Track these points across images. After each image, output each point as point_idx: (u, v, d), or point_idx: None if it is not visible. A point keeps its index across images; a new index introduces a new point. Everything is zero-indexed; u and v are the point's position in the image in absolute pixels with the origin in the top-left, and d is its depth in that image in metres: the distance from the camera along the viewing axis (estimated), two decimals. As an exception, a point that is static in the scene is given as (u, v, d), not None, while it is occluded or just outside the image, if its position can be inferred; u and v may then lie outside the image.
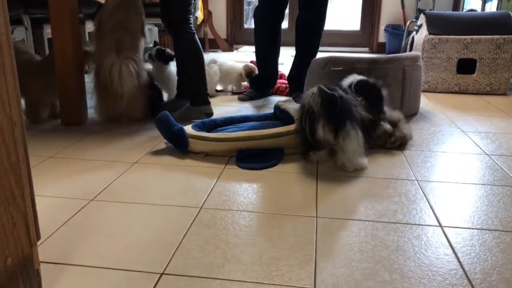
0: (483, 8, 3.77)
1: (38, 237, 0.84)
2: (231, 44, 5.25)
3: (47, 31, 2.72)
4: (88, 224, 1.16)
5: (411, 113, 2.33)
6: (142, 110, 2.13)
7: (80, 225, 1.16)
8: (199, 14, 4.71)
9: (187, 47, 2.08)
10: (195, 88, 2.14)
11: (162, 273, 0.96)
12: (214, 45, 5.10)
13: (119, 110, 2.08)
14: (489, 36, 2.84)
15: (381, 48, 5.04)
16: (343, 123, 1.45)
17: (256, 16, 2.61)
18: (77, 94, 2.03)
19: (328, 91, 1.46)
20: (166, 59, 2.42)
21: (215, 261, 1.00)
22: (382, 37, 5.03)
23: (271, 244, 1.07)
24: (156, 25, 4.31)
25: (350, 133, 1.46)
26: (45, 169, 1.53)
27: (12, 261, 0.77)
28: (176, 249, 1.05)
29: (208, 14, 4.96)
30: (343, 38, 5.20)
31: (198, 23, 4.88)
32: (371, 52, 5.06)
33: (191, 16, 2.05)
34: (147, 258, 1.01)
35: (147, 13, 2.22)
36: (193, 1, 2.05)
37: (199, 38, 5.35)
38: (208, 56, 2.66)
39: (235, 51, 5.06)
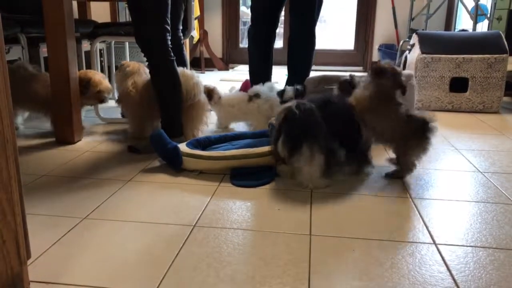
0: (474, 28, 3.83)
1: (29, 256, 0.84)
2: (226, 63, 5.30)
3: (43, 49, 2.74)
4: (80, 242, 1.15)
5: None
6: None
7: (72, 243, 1.14)
8: (195, 34, 4.76)
9: (163, 71, 1.88)
10: (173, 118, 1.92)
11: (154, 292, 0.94)
12: (210, 64, 5.14)
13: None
14: (481, 55, 2.88)
15: (375, 67, 5.09)
16: (300, 143, 1.45)
17: (249, 34, 2.64)
18: (72, 113, 2.03)
19: (293, 109, 1.46)
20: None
21: (208, 280, 0.99)
22: (376, 56, 5.10)
23: (265, 263, 1.06)
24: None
25: (304, 154, 1.45)
26: (38, 187, 1.52)
27: (0, 279, 0.76)
28: (169, 267, 1.04)
29: (204, 34, 5.01)
30: (337, 58, 5.26)
31: (194, 42, 4.93)
32: (365, 71, 5.12)
33: (168, 38, 1.85)
34: (139, 277, 1.00)
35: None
36: (168, 19, 1.83)
37: (195, 58, 5.35)
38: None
39: (230, 70, 5.10)
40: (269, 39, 2.62)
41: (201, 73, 4.86)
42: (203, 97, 2.08)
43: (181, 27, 2.21)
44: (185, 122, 1.96)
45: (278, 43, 5.39)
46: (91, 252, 1.10)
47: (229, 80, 4.15)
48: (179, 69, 1.92)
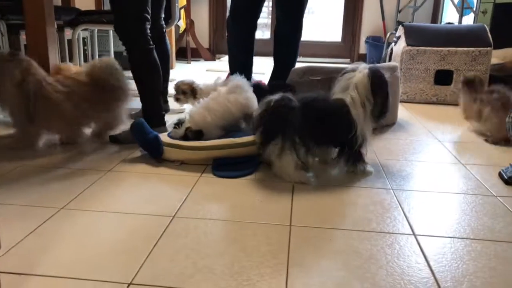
0: (460, 21, 3.84)
1: (-1, 247, 0.81)
2: (213, 53, 5.25)
3: (23, 37, 2.68)
4: (56, 233, 1.13)
5: (389, 123, 2.34)
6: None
7: (47, 234, 1.12)
8: (181, 23, 4.70)
9: (142, 60, 1.84)
10: (154, 107, 1.91)
11: (130, 283, 0.93)
12: (196, 55, 5.09)
13: None
14: (465, 48, 2.89)
15: (361, 60, 5.09)
16: (272, 136, 1.46)
17: (227, 25, 2.57)
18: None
19: (273, 103, 1.46)
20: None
21: (186, 271, 0.98)
22: (363, 48, 5.09)
23: (244, 253, 1.05)
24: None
25: (275, 148, 1.47)
26: (14, 178, 1.49)
27: (-32, 271, 0.74)
28: (146, 258, 1.02)
29: (190, 24, 4.95)
30: (325, 49, 5.25)
31: (180, 32, 4.87)
32: (352, 63, 5.12)
33: (147, 27, 1.81)
34: (116, 268, 0.98)
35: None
36: (148, 7, 1.80)
37: (181, 47, 5.28)
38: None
39: (217, 61, 5.06)
40: (249, 30, 2.51)
41: (187, 63, 4.82)
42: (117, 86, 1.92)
43: (163, 16, 2.17)
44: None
45: (266, 34, 5.35)
46: (67, 243, 1.08)
47: (216, 71, 4.12)
48: (97, 59, 1.86)
